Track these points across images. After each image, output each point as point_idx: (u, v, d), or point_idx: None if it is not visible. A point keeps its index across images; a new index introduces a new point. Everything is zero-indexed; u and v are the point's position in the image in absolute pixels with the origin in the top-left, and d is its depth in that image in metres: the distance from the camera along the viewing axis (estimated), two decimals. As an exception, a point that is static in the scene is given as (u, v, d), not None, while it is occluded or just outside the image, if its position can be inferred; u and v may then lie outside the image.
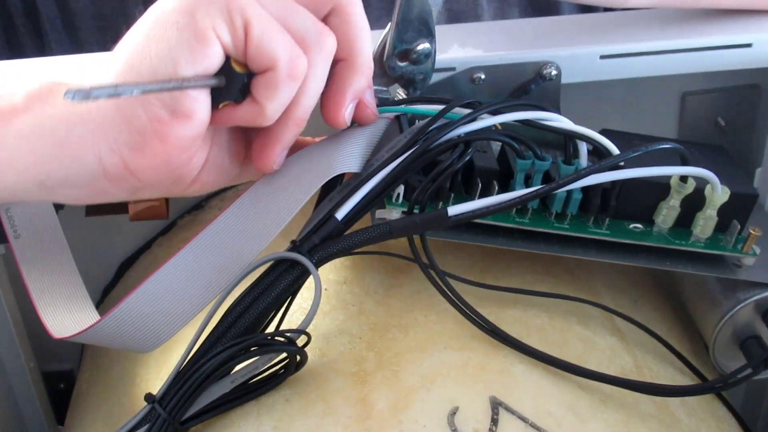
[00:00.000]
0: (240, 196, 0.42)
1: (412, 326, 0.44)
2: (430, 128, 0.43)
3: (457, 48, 0.49)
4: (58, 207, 0.52)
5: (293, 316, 0.43)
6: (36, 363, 0.58)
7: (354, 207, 0.42)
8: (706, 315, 0.49)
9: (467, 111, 0.44)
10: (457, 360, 0.42)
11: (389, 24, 0.46)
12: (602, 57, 0.50)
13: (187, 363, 0.41)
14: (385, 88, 0.48)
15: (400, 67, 0.47)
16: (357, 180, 0.43)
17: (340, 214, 0.42)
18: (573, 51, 0.49)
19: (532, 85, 0.50)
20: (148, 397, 0.41)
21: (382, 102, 0.47)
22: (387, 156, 0.44)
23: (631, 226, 0.46)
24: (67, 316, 0.45)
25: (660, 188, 0.45)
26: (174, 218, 0.57)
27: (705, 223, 0.46)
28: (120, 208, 0.54)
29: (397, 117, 0.45)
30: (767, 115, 0.54)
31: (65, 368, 0.63)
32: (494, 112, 0.44)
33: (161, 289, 0.42)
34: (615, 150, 0.44)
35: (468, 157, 0.42)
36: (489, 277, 0.47)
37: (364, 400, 0.40)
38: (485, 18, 0.66)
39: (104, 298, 0.59)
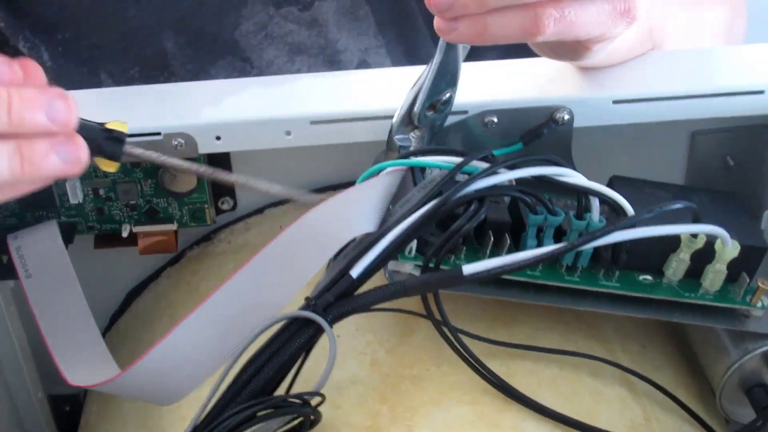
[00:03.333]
0: (255, 256, 0.42)
1: (424, 378, 0.44)
2: (446, 183, 0.43)
3: (469, 90, 0.49)
4: (68, 241, 0.52)
5: (306, 371, 0.43)
6: (44, 393, 0.58)
7: (369, 264, 0.42)
8: (714, 363, 0.49)
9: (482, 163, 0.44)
10: (470, 416, 0.42)
11: (424, 74, 0.46)
12: (615, 102, 0.50)
13: (201, 423, 0.41)
14: (407, 136, 0.48)
15: (427, 117, 0.47)
16: (372, 236, 0.43)
17: (356, 272, 0.42)
18: (586, 96, 0.49)
19: (544, 129, 0.50)
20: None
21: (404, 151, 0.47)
22: (402, 211, 0.44)
23: (641, 277, 0.47)
24: (83, 364, 0.45)
25: (671, 242, 0.46)
26: (182, 249, 0.57)
27: (714, 276, 0.46)
28: (129, 241, 0.54)
29: (411, 169, 0.46)
30: (777, 156, 0.54)
31: (71, 392, 0.63)
32: (510, 167, 0.44)
33: (181, 345, 0.42)
34: (629, 208, 0.44)
35: (483, 216, 0.42)
36: (499, 325, 0.48)
37: (377, 459, 0.41)
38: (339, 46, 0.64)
39: (111, 325, 0.59)
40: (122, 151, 0.42)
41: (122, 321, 0.59)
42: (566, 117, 0.49)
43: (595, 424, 0.43)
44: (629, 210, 0.44)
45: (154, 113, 0.49)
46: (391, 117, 0.49)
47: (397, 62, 0.66)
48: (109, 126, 0.42)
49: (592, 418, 0.43)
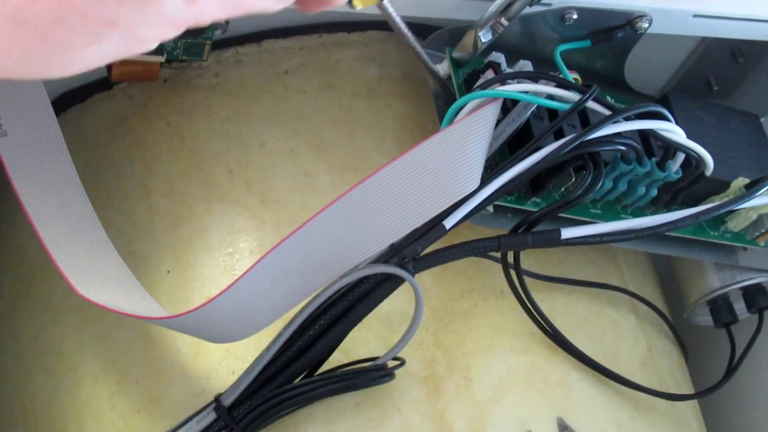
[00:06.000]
0: (346, 193, 0.35)
1: (473, 315, 0.42)
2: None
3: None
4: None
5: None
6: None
7: (465, 216, 0.38)
8: (697, 284, 0.51)
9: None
10: (523, 367, 0.41)
11: None
12: (695, 15, 0.45)
13: (268, 372, 0.36)
14: (488, 30, 0.41)
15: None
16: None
17: (449, 223, 0.37)
18: (668, 6, 0.44)
19: (619, 33, 0.44)
20: (219, 407, 0.36)
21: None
22: (496, 146, 0.39)
23: (676, 213, 0.46)
24: (98, 277, 0.37)
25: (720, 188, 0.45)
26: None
27: (743, 221, 0.46)
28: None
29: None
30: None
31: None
32: (626, 119, 0.39)
33: (251, 289, 0.35)
34: (711, 165, 0.42)
35: (599, 186, 0.38)
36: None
37: (441, 418, 0.39)
38: None
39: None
40: None
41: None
42: (645, 26, 0.44)
43: (619, 365, 0.44)
44: (710, 166, 0.42)
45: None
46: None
47: None
48: None
49: (617, 360, 0.44)
